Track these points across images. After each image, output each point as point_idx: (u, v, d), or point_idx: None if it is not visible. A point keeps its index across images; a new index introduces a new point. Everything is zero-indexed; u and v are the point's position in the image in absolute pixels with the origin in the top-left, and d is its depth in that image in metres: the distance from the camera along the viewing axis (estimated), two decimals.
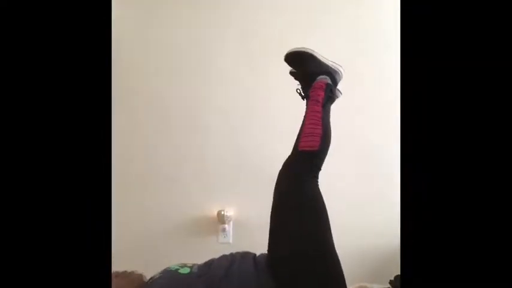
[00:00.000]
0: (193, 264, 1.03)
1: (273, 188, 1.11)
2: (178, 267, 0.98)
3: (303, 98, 1.29)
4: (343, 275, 0.95)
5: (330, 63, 1.24)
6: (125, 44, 1.99)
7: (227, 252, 1.09)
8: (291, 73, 1.33)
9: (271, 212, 1.06)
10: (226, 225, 1.93)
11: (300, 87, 1.31)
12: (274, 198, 1.07)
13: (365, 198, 2.00)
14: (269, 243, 1.02)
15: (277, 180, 1.09)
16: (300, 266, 0.92)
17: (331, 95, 1.18)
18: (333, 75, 1.22)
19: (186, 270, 0.97)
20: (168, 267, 0.99)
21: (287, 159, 1.12)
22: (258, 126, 2.03)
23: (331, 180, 1.97)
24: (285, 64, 1.25)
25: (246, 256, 1.05)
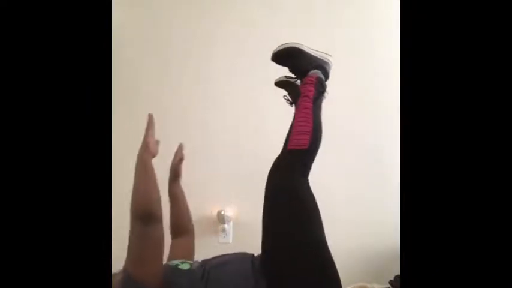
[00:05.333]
0: (194, 262, 1.03)
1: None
2: (178, 263, 0.99)
3: (291, 104, 1.28)
4: (337, 272, 0.93)
5: (318, 55, 1.21)
6: (125, 44, 1.99)
7: (227, 253, 1.09)
8: (277, 84, 1.32)
9: (263, 213, 1.03)
10: (226, 225, 1.93)
11: (287, 94, 1.31)
12: (265, 198, 1.05)
13: (365, 198, 2.00)
14: (262, 243, 1.00)
15: (267, 180, 1.06)
16: (294, 265, 0.90)
17: (322, 89, 1.16)
18: (323, 67, 1.20)
19: (187, 266, 0.97)
20: (168, 263, 1.00)
21: (276, 159, 1.09)
22: (258, 126, 2.03)
23: (331, 180, 1.98)
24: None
25: (244, 255, 1.05)
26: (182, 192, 1.30)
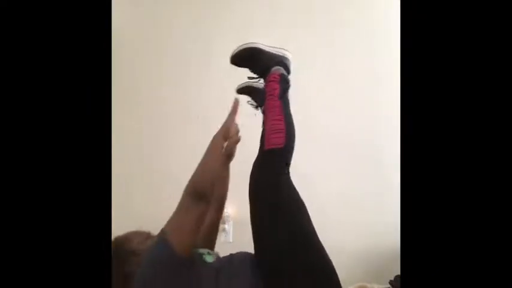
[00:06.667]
0: (217, 256, 1.04)
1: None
2: (205, 253, 0.99)
3: (256, 107, 1.28)
4: (329, 262, 0.91)
5: (278, 51, 1.20)
6: (125, 44, 1.99)
7: (227, 252, 1.08)
8: (239, 91, 1.32)
9: (251, 216, 1.02)
10: (226, 225, 1.93)
11: (250, 98, 1.30)
12: (250, 201, 1.04)
13: (365, 198, 2.00)
14: (254, 245, 0.99)
15: (250, 183, 1.06)
16: (286, 260, 0.89)
17: (286, 85, 1.14)
18: (284, 63, 1.18)
19: (211, 259, 0.97)
20: (195, 250, 0.99)
21: (255, 161, 1.08)
22: (258, 125, 2.03)
23: (331, 180, 1.98)
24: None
25: (245, 255, 1.05)
26: (229, 175, 1.28)
